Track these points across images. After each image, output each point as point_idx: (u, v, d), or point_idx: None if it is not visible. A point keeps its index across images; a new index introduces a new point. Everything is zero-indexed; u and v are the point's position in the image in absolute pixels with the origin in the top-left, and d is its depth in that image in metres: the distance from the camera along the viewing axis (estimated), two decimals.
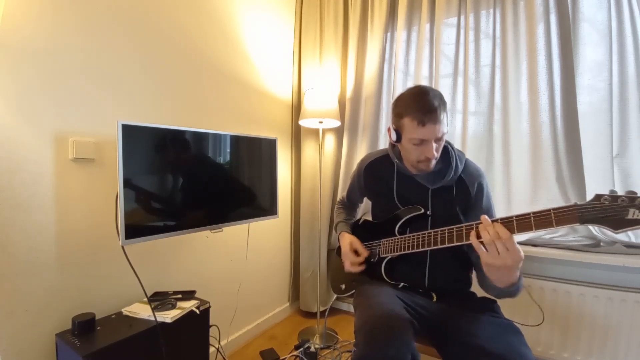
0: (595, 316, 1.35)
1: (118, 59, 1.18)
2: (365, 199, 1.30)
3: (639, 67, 1.31)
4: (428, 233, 0.91)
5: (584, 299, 1.37)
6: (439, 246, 0.87)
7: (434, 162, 0.96)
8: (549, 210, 0.64)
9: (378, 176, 1.13)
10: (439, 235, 0.88)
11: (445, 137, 0.97)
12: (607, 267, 1.36)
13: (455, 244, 0.83)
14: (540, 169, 1.49)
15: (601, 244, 1.38)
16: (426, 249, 0.91)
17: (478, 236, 0.75)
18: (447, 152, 1.02)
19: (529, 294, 1.35)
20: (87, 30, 1.09)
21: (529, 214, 0.67)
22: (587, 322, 1.36)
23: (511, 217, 0.71)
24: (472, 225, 0.79)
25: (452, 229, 0.84)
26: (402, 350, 0.76)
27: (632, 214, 0.53)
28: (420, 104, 0.89)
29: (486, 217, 0.74)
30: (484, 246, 0.73)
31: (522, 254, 0.71)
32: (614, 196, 0.57)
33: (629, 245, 1.34)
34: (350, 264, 1.09)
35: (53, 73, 1.01)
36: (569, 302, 1.39)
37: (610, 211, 0.56)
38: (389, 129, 1.01)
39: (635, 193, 0.55)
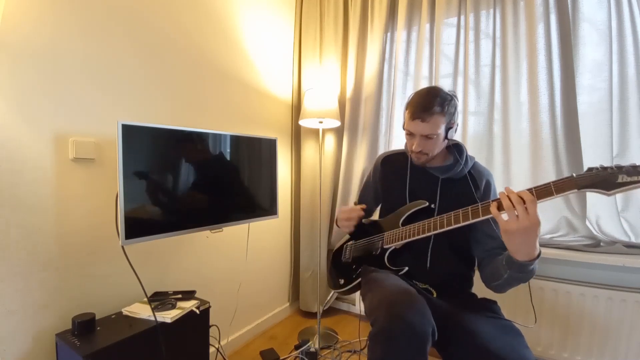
0: (595, 316, 1.35)
1: (118, 58, 1.18)
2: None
3: (639, 67, 1.31)
4: (433, 219, 0.92)
5: (584, 299, 1.37)
6: (445, 228, 0.88)
7: (422, 158, 1.02)
8: (548, 183, 0.73)
9: (393, 169, 1.17)
10: (444, 219, 0.89)
11: (437, 139, 0.99)
12: (607, 267, 1.36)
13: (468, 221, 0.83)
14: (540, 169, 1.49)
15: (601, 244, 1.38)
16: (432, 232, 0.92)
17: (499, 208, 0.77)
18: (459, 149, 1.06)
19: (530, 294, 1.34)
20: (87, 30, 1.09)
21: (530, 188, 0.75)
22: (587, 322, 1.36)
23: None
24: (489, 202, 0.80)
25: (467, 209, 0.85)
26: (423, 321, 0.76)
27: (621, 178, 0.66)
28: (419, 101, 0.97)
29: (509, 187, 0.78)
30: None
31: (540, 219, 0.73)
32: (604, 167, 0.69)
33: (629, 245, 1.34)
34: (342, 211, 1.13)
35: (53, 73, 1.01)
36: (569, 302, 1.39)
37: (603, 177, 0.68)
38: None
39: (622, 167, 0.67)
